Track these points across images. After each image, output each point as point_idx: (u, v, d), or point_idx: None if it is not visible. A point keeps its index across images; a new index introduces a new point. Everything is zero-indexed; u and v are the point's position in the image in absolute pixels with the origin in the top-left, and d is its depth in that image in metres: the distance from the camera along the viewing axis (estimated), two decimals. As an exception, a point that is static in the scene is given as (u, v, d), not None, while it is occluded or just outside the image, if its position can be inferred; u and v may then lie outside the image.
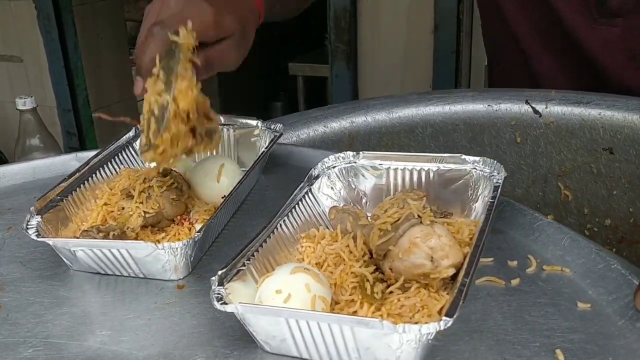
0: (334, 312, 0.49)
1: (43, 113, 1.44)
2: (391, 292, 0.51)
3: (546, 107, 0.94)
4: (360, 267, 0.53)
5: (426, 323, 0.42)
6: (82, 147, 2.36)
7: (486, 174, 0.62)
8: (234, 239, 0.65)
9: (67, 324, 0.54)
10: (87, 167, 0.69)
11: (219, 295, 0.47)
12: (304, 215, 0.62)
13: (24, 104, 1.24)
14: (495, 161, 0.62)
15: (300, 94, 2.85)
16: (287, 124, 0.96)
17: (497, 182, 0.60)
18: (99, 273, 0.61)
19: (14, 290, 0.59)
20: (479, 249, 0.49)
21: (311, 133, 0.96)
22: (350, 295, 0.51)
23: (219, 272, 0.49)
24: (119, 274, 0.60)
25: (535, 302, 0.52)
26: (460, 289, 0.44)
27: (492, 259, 0.57)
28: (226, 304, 0.47)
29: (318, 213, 0.64)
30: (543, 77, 1.02)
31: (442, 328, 0.41)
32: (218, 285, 0.48)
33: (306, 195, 0.64)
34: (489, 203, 0.57)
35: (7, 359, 0.50)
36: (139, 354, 0.50)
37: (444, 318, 0.41)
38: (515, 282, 0.54)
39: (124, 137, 0.76)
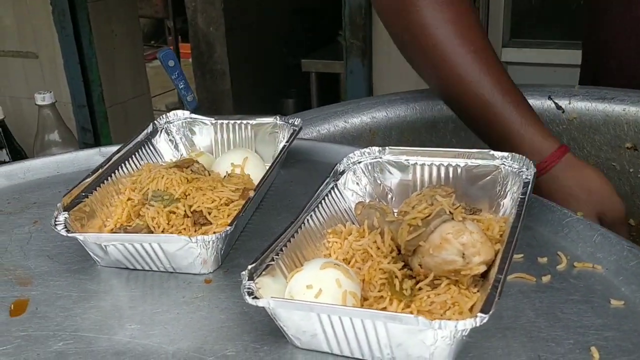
0: (365, 308, 0.48)
1: (58, 109, 1.45)
2: (420, 289, 0.51)
3: (569, 103, 0.93)
4: (388, 263, 0.53)
5: (462, 319, 0.41)
6: (97, 143, 2.37)
7: (515, 170, 0.62)
8: (259, 233, 0.65)
9: (96, 317, 0.54)
10: (110, 162, 0.69)
11: (250, 290, 0.47)
12: (329, 211, 0.62)
13: (43, 99, 1.25)
14: (525, 157, 0.62)
15: (313, 90, 2.85)
16: (306, 120, 0.96)
17: (526, 178, 0.60)
18: (126, 268, 0.61)
19: (42, 284, 0.59)
20: (512, 245, 0.48)
21: (331, 128, 0.96)
22: (379, 291, 0.51)
23: (249, 267, 0.49)
24: (147, 268, 0.60)
25: (567, 299, 0.51)
26: (495, 285, 0.44)
27: (522, 255, 0.57)
28: (257, 298, 0.47)
29: (344, 209, 0.64)
30: None
31: (477, 324, 0.41)
32: (248, 280, 0.48)
33: (332, 191, 0.63)
34: (519, 199, 0.57)
35: (37, 352, 0.50)
36: (168, 347, 0.50)
37: (479, 314, 0.41)
38: (546, 278, 0.54)
39: (143, 132, 0.76)
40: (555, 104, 0.94)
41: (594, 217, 0.73)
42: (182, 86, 1.12)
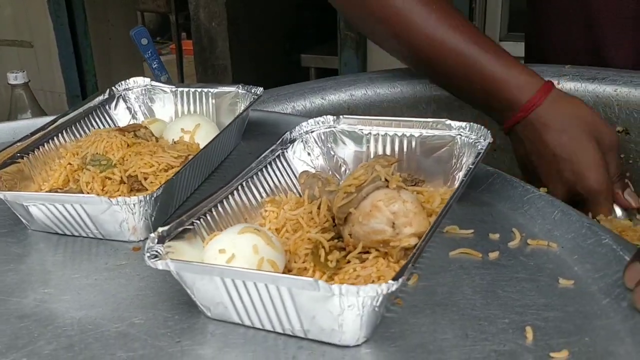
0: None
1: (52, 99, 1.43)
2: (349, 262, 0.46)
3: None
4: (317, 233, 0.49)
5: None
6: None
7: (471, 141, 0.57)
8: (202, 203, 0.61)
9: (11, 280, 0.51)
10: (53, 126, 0.66)
11: (155, 253, 0.44)
12: (273, 180, 0.58)
13: (15, 78, 1.23)
14: (482, 127, 0.57)
15: None
16: (282, 94, 0.92)
17: (481, 149, 0.55)
18: (57, 233, 0.58)
19: (-35, 245, 0.56)
20: (443, 211, 0.44)
21: (308, 105, 0.92)
22: (303, 262, 0.47)
23: (159, 229, 0.45)
24: (77, 234, 0.57)
25: (512, 277, 0.47)
26: (414, 253, 0.39)
27: (472, 231, 0.52)
28: (160, 260, 0.43)
29: (290, 179, 0.60)
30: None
31: (385, 292, 0.36)
32: (157, 243, 0.45)
33: (278, 159, 0.60)
34: (468, 168, 0.52)
35: (-60, 312, 0.48)
36: (76, 313, 0.47)
37: (389, 281, 0.37)
38: (493, 255, 0.49)
39: (96, 99, 0.73)
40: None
41: (592, 143, 0.70)
42: (155, 65, 1.09)
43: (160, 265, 0.42)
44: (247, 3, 2.72)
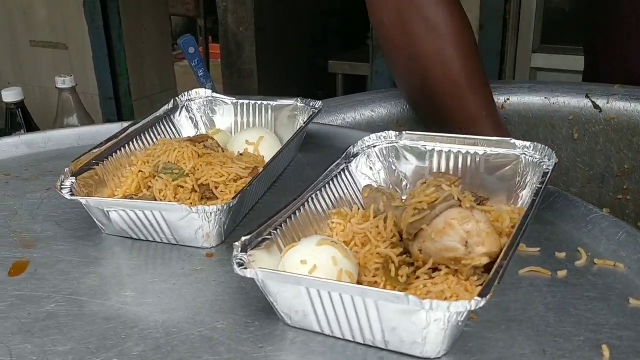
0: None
1: (85, 100, 1.46)
2: (418, 277, 0.48)
3: (608, 102, 0.88)
4: (386, 248, 0.50)
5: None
6: None
7: (536, 160, 0.58)
8: (267, 213, 0.62)
9: (93, 283, 0.54)
10: (125, 134, 0.68)
11: (241, 261, 0.46)
12: (338, 193, 0.60)
13: (63, 82, 1.26)
14: (547, 147, 0.58)
15: (339, 92, 2.84)
16: (332, 107, 0.94)
17: (547, 169, 0.56)
18: (131, 238, 0.60)
19: (45, 247, 0.59)
20: (521, 232, 0.45)
21: (357, 117, 0.94)
22: (373, 277, 0.48)
23: (243, 239, 0.47)
24: (151, 239, 0.59)
25: (582, 296, 0.48)
26: (497, 271, 0.41)
27: (539, 249, 0.53)
28: (247, 269, 0.45)
29: (354, 192, 0.61)
30: None
31: (473, 308, 0.38)
32: (241, 252, 0.47)
33: (342, 173, 0.61)
34: (536, 189, 0.53)
35: (29, 310, 0.50)
36: (159, 317, 0.49)
37: (475, 298, 0.38)
38: (562, 273, 0.50)
39: (163, 108, 0.76)
40: (593, 103, 0.90)
41: None
42: (201, 74, 1.12)
43: (249, 274, 0.44)
44: (275, 9, 2.75)
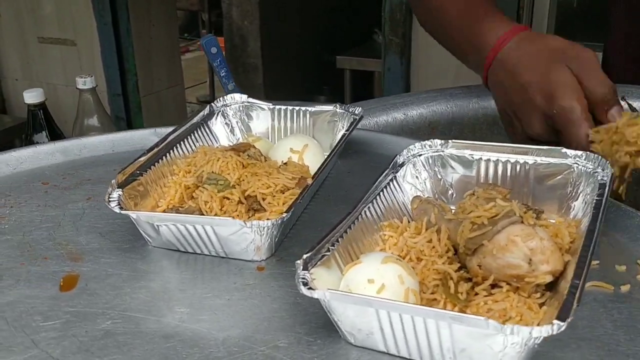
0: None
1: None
2: (477, 294, 0.47)
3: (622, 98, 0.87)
4: (443, 263, 0.50)
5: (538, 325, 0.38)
6: None
7: (589, 170, 0.58)
8: (313, 223, 0.63)
9: (145, 298, 0.53)
10: (165, 142, 0.67)
11: (305, 280, 0.45)
12: (386, 203, 0.59)
13: (84, 83, 1.25)
14: (600, 157, 0.58)
15: (346, 88, 2.82)
16: (364, 110, 0.93)
17: (602, 180, 0.56)
18: (177, 250, 0.59)
19: (93, 260, 0.58)
20: (590, 248, 0.44)
21: (390, 120, 0.93)
22: (432, 293, 0.48)
23: (304, 256, 0.47)
24: (199, 252, 0.58)
25: (648, 312, 0.47)
26: (572, 291, 0.40)
27: (597, 262, 0.53)
28: (312, 289, 0.44)
29: (402, 202, 0.61)
30: None
31: (554, 332, 0.37)
32: (303, 270, 0.46)
33: (390, 183, 0.61)
34: (594, 201, 0.52)
35: (85, 328, 0.49)
36: (218, 334, 0.48)
37: (555, 322, 0.38)
38: (625, 288, 0.49)
39: (200, 114, 0.75)
40: (629, 105, 0.88)
41: (562, 65, 0.67)
42: (223, 74, 1.10)
43: (316, 294, 0.43)
44: (280, 3, 2.73)
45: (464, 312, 0.46)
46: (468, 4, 0.80)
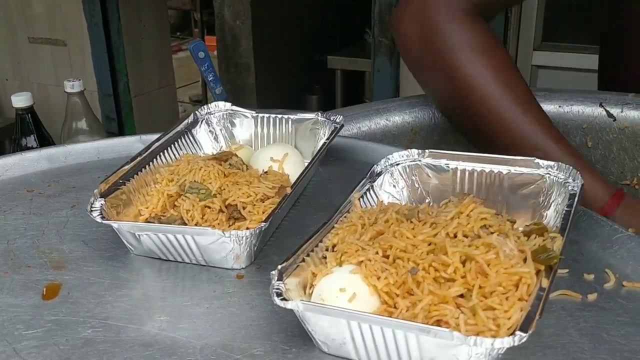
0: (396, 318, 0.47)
1: (83, 97, 1.45)
2: None
3: (622, 112, 0.89)
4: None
5: (498, 337, 0.39)
6: (121, 132, 2.40)
7: (560, 180, 0.59)
8: (294, 231, 0.64)
9: (127, 306, 0.54)
10: (149, 151, 0.69)
11: (279, 291, 0.46)
12: (365, 212, 0.60)
13: (72, 87, 1.25)
14: (571, 167, 0.59)
15: (337, 87, 2.84)
16: (347, 116, 0.94)
17: (572, 190, 0.57)
18: (158, 258, 0.60)
19: (76, 269, 0.59)
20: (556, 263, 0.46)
21: (372, 126, 0.94)
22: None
23: (279, 267, 0.48)
24: (180, 260, 0.60)
25: (614, 320, 0.49)
26: (536, 303, 0.42)
27: (567, 270, 0.54)
28: (286, 300, 0.46)
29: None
30: None
31: (515, 343, 0.39)
32: (277, 280, 0.47)
33: (367, 192, 0.62)
34: (564, 211, 0.54)
35: (66, 337, 0.51)
36: (197, 342, 0.50)
37: (518, 333, 0.39)
38: (592, 297, 0.51)
39: (184, 122, 0.76)
40: (607, 111, 0.91)
41: None
42: (211, 78, 1.11)
43: (289, 305, 0.45)
44: (272, 3, 2.74)
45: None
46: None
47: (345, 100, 2.85)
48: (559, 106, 0.93)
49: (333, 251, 0.52)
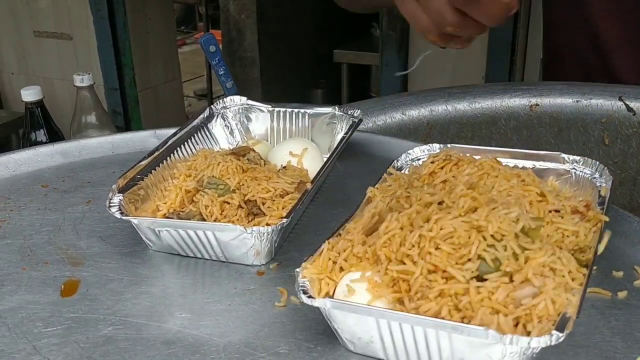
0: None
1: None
2: None
3: (619, 98, 0.88)
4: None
5: (535, 336, 0.38)
6: (127, 127, 2.39)
7: (587, 176, 0.58)
8: (313, 227, 0.63)
9: (147, 303, 0.53)
10: (166, 146, 0.68)
11: (304, 288, 0.45)
12: (387, 208, 0.59)
13: (82, 80, 1.25)
14: (598, 162, 0.58)
15: (343, 81, 2.82)
16: (362, 110, 0.93)
17: (600, 186, 0.56)
18: (178, 254, 0.60)
19: (93, 265, 0.59)
20: (592, 259, 0.45)
21: (388, 120, 0.93)
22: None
23: (303, 264, 0.47)
24: (199, 256, 0.59)
25: (645, 319, 0.48)
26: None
27: (595, 267, 0.53)
28: (312, 297, 0.45)
29: (402, 206, 0.61)
30: (621, 73, 0.94)
31: (553, 343, 0.38)
32: (302, 278, 0.46)
33: (390, 187, 0.61)
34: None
35: (87, 334, 0.50)
36: (219, 340, 0.49)
37: (554, 332, 0.38)
38: (622, 294, 0.50)
39: (200, 117, 0.75)
40: (626, 105, 0.89)
41: None
42: (222, 72, 1.10)
43: (317, 303, 0.44)
44: (277, -4, 2.73)
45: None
46: None
47: (352, 94, 2.84)
48: (577, 100, 0.91)
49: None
